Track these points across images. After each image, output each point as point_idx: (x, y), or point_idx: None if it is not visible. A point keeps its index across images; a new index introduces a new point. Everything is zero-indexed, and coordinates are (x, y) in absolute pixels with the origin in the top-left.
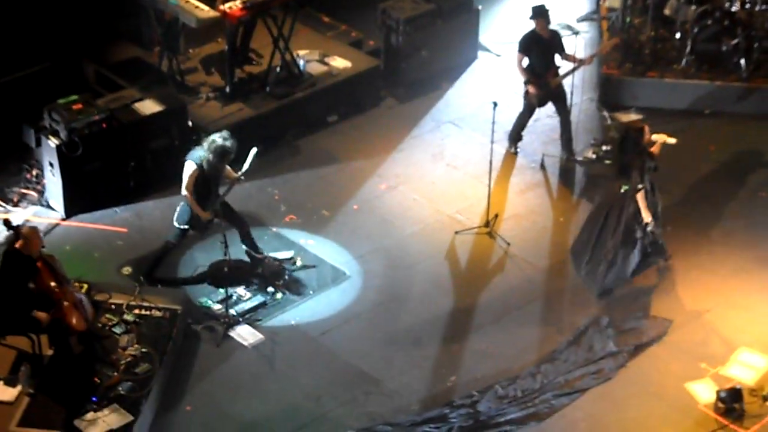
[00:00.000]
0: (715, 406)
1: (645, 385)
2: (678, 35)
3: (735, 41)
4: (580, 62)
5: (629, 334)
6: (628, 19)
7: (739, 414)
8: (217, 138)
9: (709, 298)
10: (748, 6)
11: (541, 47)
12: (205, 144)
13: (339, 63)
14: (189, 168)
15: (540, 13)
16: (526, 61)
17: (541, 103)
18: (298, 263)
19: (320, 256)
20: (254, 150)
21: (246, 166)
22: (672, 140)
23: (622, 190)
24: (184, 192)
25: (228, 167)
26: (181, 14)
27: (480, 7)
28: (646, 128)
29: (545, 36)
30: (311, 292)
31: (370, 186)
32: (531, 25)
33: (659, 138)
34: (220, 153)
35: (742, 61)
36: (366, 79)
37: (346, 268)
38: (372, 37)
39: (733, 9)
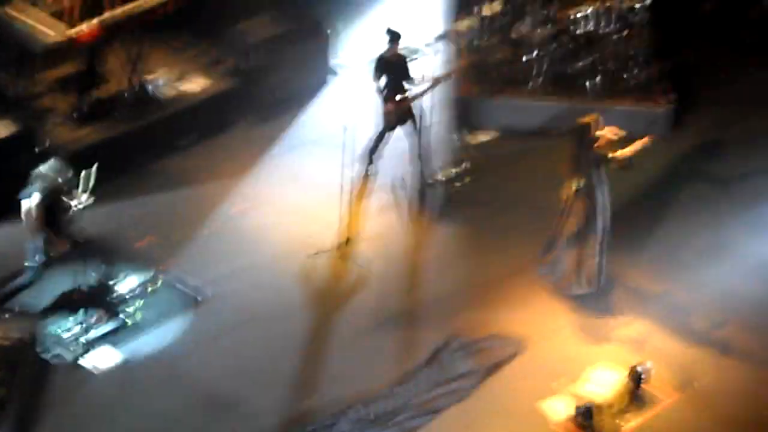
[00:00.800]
0: (569, 424)
1: (499, 404)
2: (529, 56)
3: (584, 62)
4: (431, 83)
5: (483, 353)
6: (480, 41)
7: (592, 431)
8: (45, 168)
9: (562, 316)
10: (594, 28)
11: (392, 69)
12: (37, 178)
13: (193, 85)
14: (32, 203)
15: (393, 36)
16: (379, 82)
17: (394, 125)
18: (153, 287)
19: (177, 279)
20: (93, 169)
21: (88, 187)
22: (621, 133)
23: (574, 187)
24: (34, 228)
25: (71, 191)
26: (29, 39)
27: (332, 30)
28: (593, 123)
29: (396, 58)
30: (166, 317)
31: (225, 208)
32: (381, 47)
33: (606, 134)
34: (52, 183)
35: (590, 82)
36: (220, 101)
37: (203, 291)
38: (226, 59)
39: (582, 31)
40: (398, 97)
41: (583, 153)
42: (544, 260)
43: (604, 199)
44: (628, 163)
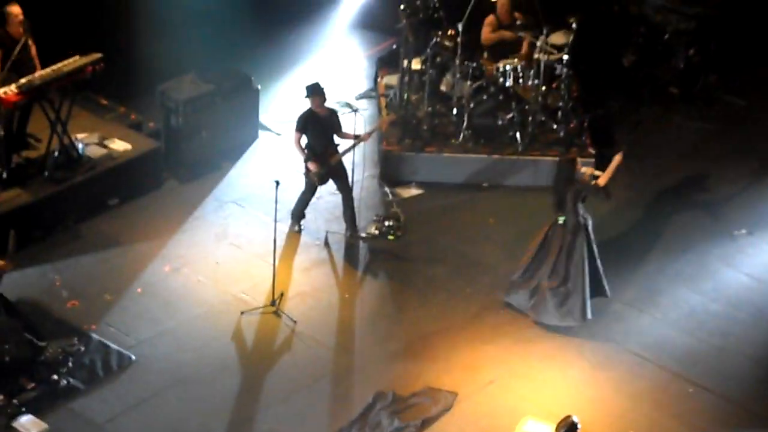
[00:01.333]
0: None
1: None
2: (455, 111)
3: (510, 115)
4: (358, 139)
5: (415, 408)
6: (405, 96)
7: None
8: None
9: (492, 369)
10: (521, 81)
11: (318, 125)
12: None
13: (119, 145)
14: None
15: (315, 92)
16: (304, 140)
17: (322, 181)
18: (80, 350)
19: (105, 341)
20: (12, 233)
21: (9, 250)
22: (598, 172)
23: (560, 221)
24: None
25: None
26: None
27: (259, 87)
28: (578, 159)
29: (322, 114)
30: (96, 379)
31: (154, 268)
32: (308, 103)
33: (587, 170)
34: None
35: (518, 135)
36: (146, 160)
37: (132, 353)
38: (152, 119)
39: (507, 84)
40: (327, 153)
41: (568, 188)
42: (516, 288)
43: (590, 234)
44: (608, 192)
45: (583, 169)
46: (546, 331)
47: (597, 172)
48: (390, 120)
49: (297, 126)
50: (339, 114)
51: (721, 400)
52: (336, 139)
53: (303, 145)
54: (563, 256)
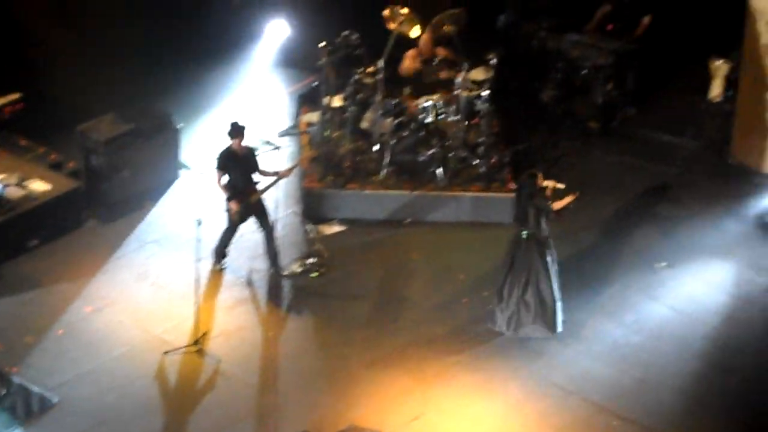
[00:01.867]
0: None
1: None
2: (376, 147)
3: (431, 151)
4: (278, 176)
5: None
6: (326, 133)
7: None
8: None
9: (418, 405)
10: (441, 117)
11: (238, 164)
12: None
13: (38, 186)
14: None
15: (238, 131)
16: (225, 178)
17: (243, 219)
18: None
19: (26, 384)
20: None
21: None
22: (561, 186)
23: (523, 235)
24: None
25: None
26: None
27: (180, 126)
28: (540, 175)
29: (241, 152)
30: (18, 422)
31: (75, 309)
32: (227, 142)
33: (549, 184)
34: None
35: (439, 170)
36: (67, 201)
37: (54, 395)
38: (72, 159)
39: (428, 120)
40: (247, 191)
41: (530, 203)
42: (495, 313)
43: (551, 247)
44: (560, 215)
45: (546, 183)
46: (471, 366)
47: (560, 185)
48: (308, 156)
49: (217, 165)
50: (257, 152)
51: None
52: (255, 177)
53: (224, 184)
54: (532, 269)
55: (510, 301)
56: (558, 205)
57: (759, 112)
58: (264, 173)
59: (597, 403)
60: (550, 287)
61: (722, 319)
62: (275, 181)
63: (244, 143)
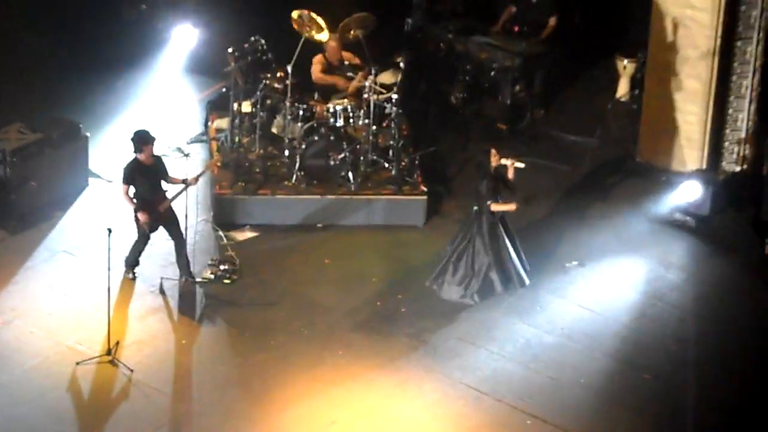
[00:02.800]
0: None
1: None
2: (287, 152)
3: (342, 155)
4: (186, 183)
5: None
6: (237, 139)
7: None
8: None
9: (334, 410)
10: (351, 121)
11: (145, 174)
12: None
13: None
14: None
15: (145, 142)
16: (131, 191)
17: (152, 230)
18: None
19: None
20: None
21: None
22: (521, 164)
23: (474, 209)
24: None
25: None
26: None
27: (88, 134)
28: (493, 151)
29: (148, 163)
30: None
31: None
32: (134, 152)
33: (509, 162)
34: None
35: (350, 175)
36: None
37: None
38: None
39: (339, 124)
40: (156, 201)
41: (484, 178)
42: (447, 284)
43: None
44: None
45: (504, 160)
46: (386, 369)
47: (519, 164)
48: (214, 162)
49: (124, 178)
50: (164, 159)
51: (558, 430)
52: (164, 185)
53: (131, 196)
54: (486, 236)
55: (464, 273)
56: (495, 207)
57: (664, 111)
58: (171, 181)
59: (510, 403)
60: (506, 248)
61: (633, 317)
62: (183, 189)
63: (152, 152)
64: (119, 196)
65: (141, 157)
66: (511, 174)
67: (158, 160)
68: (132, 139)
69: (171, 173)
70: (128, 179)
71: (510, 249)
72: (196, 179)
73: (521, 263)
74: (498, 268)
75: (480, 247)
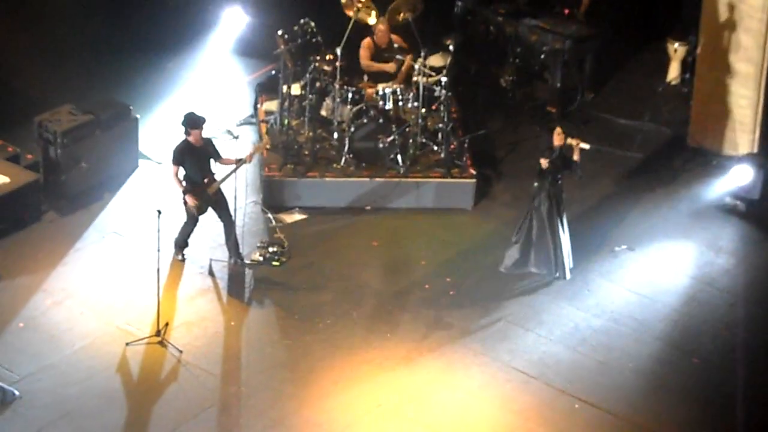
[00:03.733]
0: None
1: None
2: (336, 135)
3: (390, 138)
4: (240, 162)
5: None
6: (286, 121)
7: None
8: None
9: (380, 392)
10: (400, 104)
11: (195, 156)
12: None
13: None
14: None
15: (195, 125)
16: (181, 173)
17: (201, 212)
18: None
19: None
20: None
21: None
22: (586, 146)
23: (535, 185)
24: None
25: None
26: None
27: (138, 116)
28: (558, 129)
29: (199, 145)
30: None
31: (36, 302)
32: (184, 133)
33: (574, 142)
34: None
35: (399, 157)
36: (25, 193)
37: (16, 389)
38: (29, 151)
39: (387, 107)
40: (205, 183)
41: (547, 158)
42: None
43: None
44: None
45: (570, 141)
46: (433, 352)
47: (584, 145)
48: (266, 144)
49: (173, 159)
50: (215, 141)
51: (606, 414)
52: (214, 167)
53: (180, 178)
54: (545, 216)
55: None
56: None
57: (716, 95)
58: (224, 162)
59: (558, 386)
60: (546, 235)
61: (682, 301)
62: (235, 170)
63: (202, 134)
64: (168, 177)
65: (191, 138)
66: (576, 156)
67: (208, 142)
68: (182, 122)
69: (223, 154)
70: (177, 160)
71: (561, 238)
72: (251, 156)
73: (568, 257)
74: (552, 250)
75: (536, 223)
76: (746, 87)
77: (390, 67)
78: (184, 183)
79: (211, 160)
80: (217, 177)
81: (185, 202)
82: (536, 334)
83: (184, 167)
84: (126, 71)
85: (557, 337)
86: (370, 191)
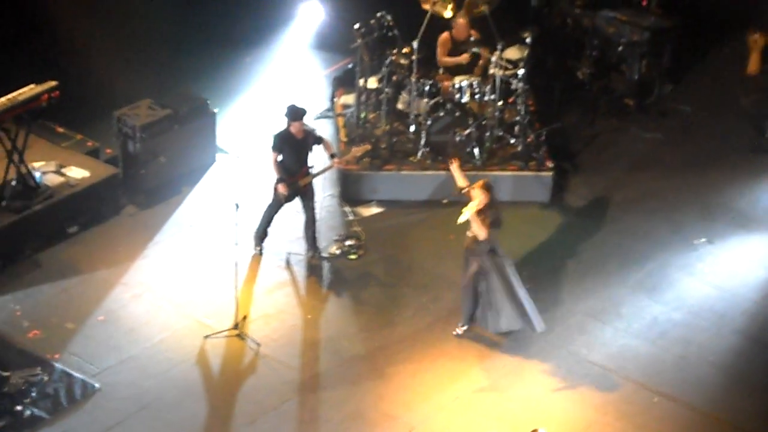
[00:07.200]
0: None
1: None
2: (412, 128)
3: (467, 131)
4: (331, 159)
5: None
6: (363, 115)
7: None
8: None
9: (457, 385)
10: (477, 97)
11: (294, 146)
12: None
13: (76, 173)
14: None
15: (297, 116)
16: (279, 159)
17: (288, 199)
18: (44, 380)
19: (68, 370)
20: None
21: None
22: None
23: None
24: None
25: None
26: None
27: (216, 110)
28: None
29: (299, 136)
30: (60, 408)
31: (115, 295)
32: (284, 124)
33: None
34: None
35: (476, 150)
36: (105, 187)
37: (96, 381)
38: (109, 146)
39: (464, 100)
40: (299, 174)
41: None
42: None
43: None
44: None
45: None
46: (510, 346)
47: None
48: (362, 149)
49: (273, 146)
50: (315, 134)
51: (685, 409)
52: (309, 161)
53: (275, 164)
54: (502, 276)
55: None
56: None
57: None
58: (326, 145)
59: (637, 380)
60: (520, 290)
61: (762, 294)
62: (328, 167)
63: (303, 127)
64: (268, 162)
65: (292, 129)
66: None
67: (309, 134)
68: (284, 113)
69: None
70: (277, 147)
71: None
72: (345, 162)
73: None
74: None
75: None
76: None
77: (464, 58)
78: (280, 170)
79: (309, 152)
80: (312, 171)
81: (276, 189)
82: (614, 327)
83: (282, 155)
84: (204, 66)
85: (636, 331)
86: (446, 184)
